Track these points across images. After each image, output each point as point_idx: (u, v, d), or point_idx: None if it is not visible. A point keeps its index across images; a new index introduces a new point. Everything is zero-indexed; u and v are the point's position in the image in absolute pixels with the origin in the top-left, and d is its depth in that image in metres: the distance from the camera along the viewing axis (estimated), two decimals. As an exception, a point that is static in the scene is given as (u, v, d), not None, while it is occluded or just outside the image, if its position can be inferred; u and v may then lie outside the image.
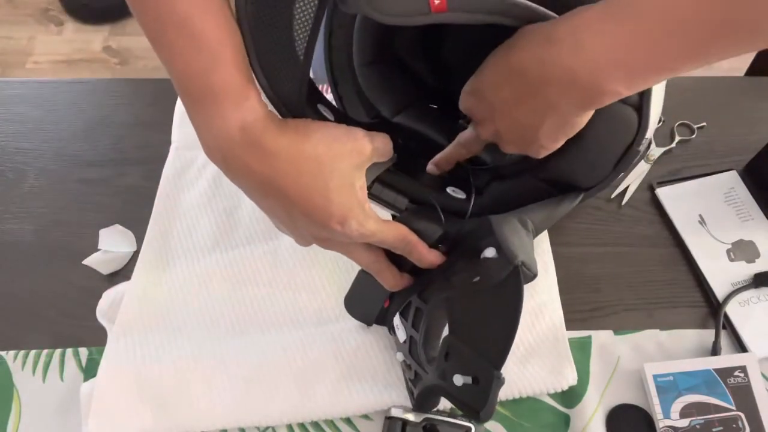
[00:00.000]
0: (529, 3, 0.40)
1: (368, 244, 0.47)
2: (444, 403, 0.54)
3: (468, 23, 0.41)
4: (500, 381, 0.43)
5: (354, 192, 0.43)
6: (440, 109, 0.61)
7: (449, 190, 0.54)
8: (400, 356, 0.54)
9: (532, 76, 0.40)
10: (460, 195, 0.54)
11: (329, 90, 0.60)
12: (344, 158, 0.42)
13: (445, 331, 0.49)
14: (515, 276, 0.43)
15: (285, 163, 0.41)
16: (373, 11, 0.43)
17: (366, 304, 0.58)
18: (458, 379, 0.45)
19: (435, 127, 0.56)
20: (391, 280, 0.50)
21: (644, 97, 0.45)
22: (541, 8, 0.40)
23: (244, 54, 0.41)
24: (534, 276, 0.45)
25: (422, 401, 0.51)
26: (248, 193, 0.44)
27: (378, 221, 0.44)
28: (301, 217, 0.42)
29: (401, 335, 0.53)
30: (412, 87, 0.59)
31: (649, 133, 0.48)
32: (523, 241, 0.47)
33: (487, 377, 0.43)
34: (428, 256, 0.48)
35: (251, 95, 0.41)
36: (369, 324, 0.58)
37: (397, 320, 0.54)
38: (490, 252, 0.46)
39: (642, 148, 0.49)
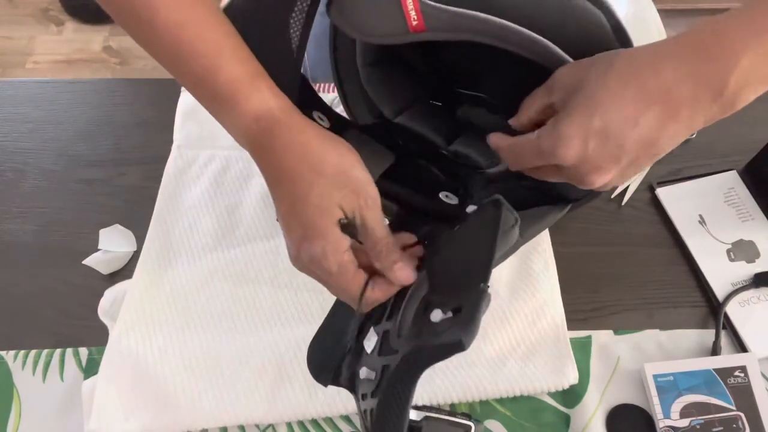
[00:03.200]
0: (506, 23, 0.41)
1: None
2: (445, 402, 0.54)
3: (449, 41, 0.42)
4: (486, 295, 0.38)
5: (331, 220, 0.41)
6: (442, 109, 0.61)
7: (442, 195, 0.54)
8: (363, 372, 0.45)
9: (682, 97, 0.37)
10: (453, 201, 0.54)
11: (335, 90, 0.60)
12: (347, 187, 0.42)
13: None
14: (495, 204, 0.42)
15: (290, 159, 0.41)
16: (353, 31, 0.44)
17: (326, 345, 0.49)
18: (436, 315, 0.39)
19: (436, 128, 0.56)
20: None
21: None
22: (517, 27, 0.41)
23: (246, 49, 0.42)
24: (516, 219, 0.43)
25: (383, 410, 0.41)
26: (267, 179, 0.43)
27: (340, 263, 0.42)
28: (289, 220, 0.42)
29: (370, 347, 0.46)
30: (415, 87, 0.59)
31: None
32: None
33: (471, 297, 0.38)
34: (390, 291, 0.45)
35: (261, 86, 0.42)
36: (325, 381, 0.47)
37: (370, 332, 0.48)
38: (470, 209, 0.45)
39: None
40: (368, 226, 0.42)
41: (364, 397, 0.43)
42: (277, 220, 0.46)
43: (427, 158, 0.55)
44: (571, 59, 0.42)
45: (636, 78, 0.38)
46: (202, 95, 0.43)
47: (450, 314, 0.39)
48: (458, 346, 0.36)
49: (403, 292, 0.46)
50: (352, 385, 0.46)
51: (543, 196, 0.51)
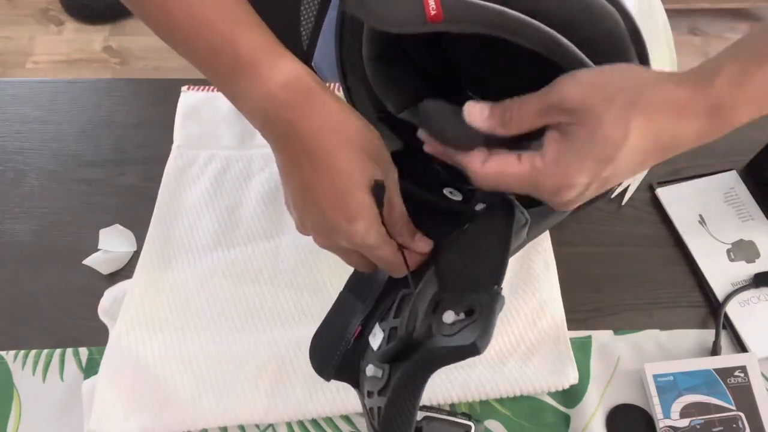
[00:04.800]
0: (523, 17, 0.40)
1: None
2: (445, 402, 0.53)
3: (465, 33, 0.41)
4: (500, 297, 0.37)
5: (371, 201, 0.41)
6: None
7: (446, 191, 0.53)
8: (370, 369, 0.44)
9: (681, 148, 0.39)
10: (457, 197, 0.53)
11: (339, 89, 0.60)
12: (377, 163, 0.41)
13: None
14: (507, 204, 0.41)
15: (326, 127, 0.39)
16: (370, 19, 0.43)
17: (329, 338, 0.47)
18: (449, 316, 0.39)
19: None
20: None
21: None
22: (533, 21, 0.40)
23: (263, 23, 0.41)
24: (527, 220, 0.42)
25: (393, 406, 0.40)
26: (280, 155, 0.42)
27: (382, 235, 0.42)
28: (315, 197, 0.40)
29: (376, 344, 0.46)
30: (419, 83, 0.59)
31: None
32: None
33: (485, 300, 0.38)
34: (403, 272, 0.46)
35: (286, 54, 0.41)
36: (328, 375, 0.46)
37: (376, 329, 0.48)
38: (479, 207, 0.45)
39: None
40: (394, 203, 0.43)
41: (369, 394, 0.43)
42: (287, 204, 0.44)
43: (430, 155, 0.55)
44: (585, 57, 0.41)
45: (655, 133, 0.38)
46: (217, 68, 0.42)
47: (462, 316, 0.39)
48: (473, 350, 0.35)
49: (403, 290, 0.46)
50: (356, 381, 0.45)
51: None
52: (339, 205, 0.40)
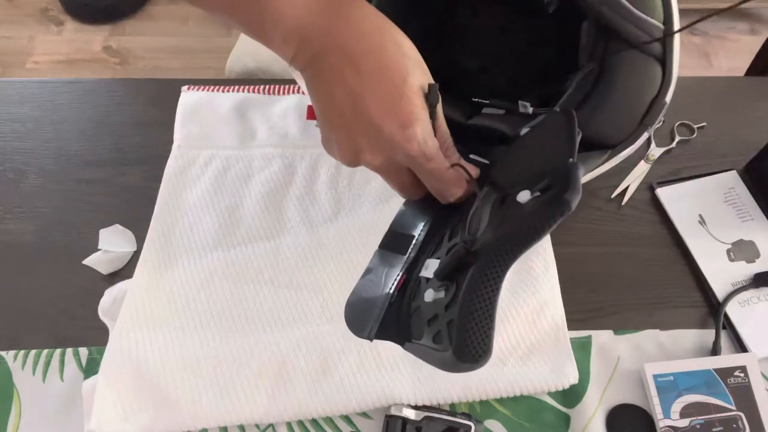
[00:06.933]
0: None
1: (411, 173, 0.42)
2: (445, 402, 0.53)
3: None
4: (578, 165, 0.34)
5: (424, 105, 0.38)
6: (456, 91, 0.60)
7: (472, 156, 0.51)
8: (429, 294, 0.40)
9: None
10: (483, 161, 0.51)
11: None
12: (422, 68, 0.39)
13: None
14: (563, 110, 0.40)
15: (368, 30, 0.37)
16: None
17: (369, 294, 0.43)
18: (524, 196, 0.36)
19: (452, 105, 0.55)
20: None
21: (667, 47, 0.43)
22: None
23: None
24: (579, 132, 0.40)
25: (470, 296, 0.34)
26: (318, 80, 0.39)
27: (437, 146, 0.40)
28: (365, 107, 0.37)
29: (431, 272, 0.42)
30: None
31: (673, 85, 0.46)
32: None
33: (562, 171, 0.34)
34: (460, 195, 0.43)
35: None
36: (370, 335, 0.42)
37: (427, 263, 0.44)
38: (524, 131, 0.43)
39: (668, 100, 0.47)
40: (438, 118, 0.41)
41: (431, 321, 0.39)
42: (317, 125, 0.42)
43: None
44: None
45: None
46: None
47: (538, 194, 0.36)
48: (563, 206, 0.32)
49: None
50: (401, 338, 0.41)
51: (581, 146, 0.50)
52: (391, 110, 0.37)
